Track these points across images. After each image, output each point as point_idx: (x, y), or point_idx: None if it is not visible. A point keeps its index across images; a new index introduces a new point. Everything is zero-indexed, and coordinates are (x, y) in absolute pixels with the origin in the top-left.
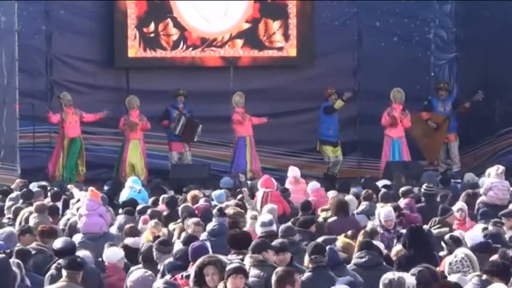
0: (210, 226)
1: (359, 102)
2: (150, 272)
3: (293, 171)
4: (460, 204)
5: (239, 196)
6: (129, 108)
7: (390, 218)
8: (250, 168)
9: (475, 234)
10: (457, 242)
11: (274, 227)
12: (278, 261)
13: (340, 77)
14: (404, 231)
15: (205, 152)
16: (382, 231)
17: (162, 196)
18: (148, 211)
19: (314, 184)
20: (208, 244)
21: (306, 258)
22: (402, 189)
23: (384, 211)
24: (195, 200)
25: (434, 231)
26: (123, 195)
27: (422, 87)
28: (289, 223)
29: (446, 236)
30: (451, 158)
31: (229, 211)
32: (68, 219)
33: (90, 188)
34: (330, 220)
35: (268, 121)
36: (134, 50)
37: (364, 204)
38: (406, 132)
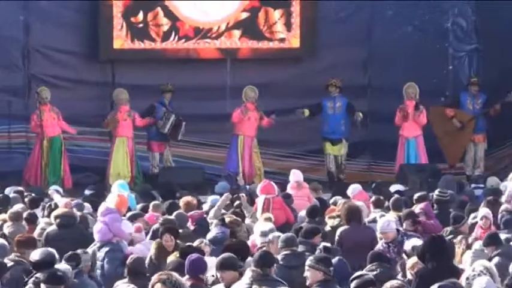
0: (211, 234)
1: (369, 99)
2: (132, 286)
3: (295, 175)
4: (485, 211)
5: (236, 202)
6: (117, 103)
7: (386, 231)
8: (242, 170)
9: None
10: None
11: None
12: None
13: (348, 70)
14: (410, 241)
15: (199, 154)
16: (383, 245)
17: (153, 203)
18: (161, 219)
19: (356, 187)
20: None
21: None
22: (417, 195)
23: (380, 222)
24: (189, 207)
25: None
26: (109, 201)
27: (439, 81)
28: (291, 233)
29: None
30: (476, 161)
31: (225, 219)
32: (43, 229)
33: (119, 194)
34: (341, 229)
35: (271, 121)
36: (120, 41)
37: (375, 212)
38: (426, 130)
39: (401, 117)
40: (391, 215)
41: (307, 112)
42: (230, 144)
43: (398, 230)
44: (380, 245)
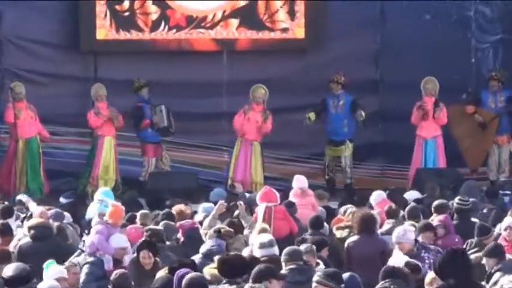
0: (206, 246)
1: (382, 96)
2: None
3: (299, 182)
4: (509, 220)
5: (236, 212)
6: (95, 99)
7: (402, 241)
8: (232, 176)
9: None
10: None
11: (275, 250)
12: None
13: (358, 64)
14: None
15: (192, 158)
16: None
17: (141, 212)
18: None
19: (379, 194)
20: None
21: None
22: (435, 203)
23: (396, 230)
24: (182, 216)
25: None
26: (91, 211)
27: (461, 76)
28: (295, 246)
29: None
30: (500, 165)
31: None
32: (19, 240)
33: (113, 203)
34: (349, 240)
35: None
36: (104, 31)
37: (389, 223)
38: (445, 131)
39: (419, 116)
40: (407, 226)
41: (313, 116)
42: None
43: (416, 241)
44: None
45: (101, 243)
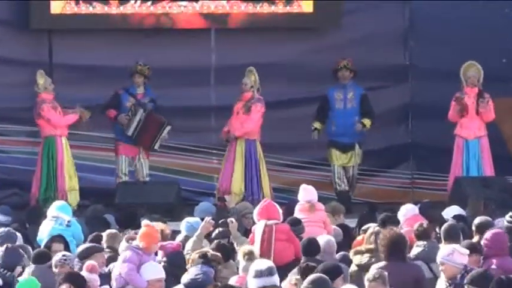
0: (189, 275)
1: (412, 85)
2: None
3: (306, 193)
4: None
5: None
6: (39, 90)
7: (447, 262)
8: (219, 186)
9: None
10: None
11: (276, 279)
12: None
13: (381, 46)
14: None
15: (173, 163)
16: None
17: (107, 232)
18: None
19: (410, 208)
20: None
21: None
22: (477, 221)
23: (443, 250)
24: (161, 237)
25: None
26: (44, 231)
27: (509, 60)
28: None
29: None
30: None
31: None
32: None
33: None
34: (377, 266)
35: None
36: (60, 3)
37: (419, 245)
38: (492, 130)
39: (458, 111)
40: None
41: (318, 125)
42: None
43: (465, 267)
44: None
45: (130, 275)
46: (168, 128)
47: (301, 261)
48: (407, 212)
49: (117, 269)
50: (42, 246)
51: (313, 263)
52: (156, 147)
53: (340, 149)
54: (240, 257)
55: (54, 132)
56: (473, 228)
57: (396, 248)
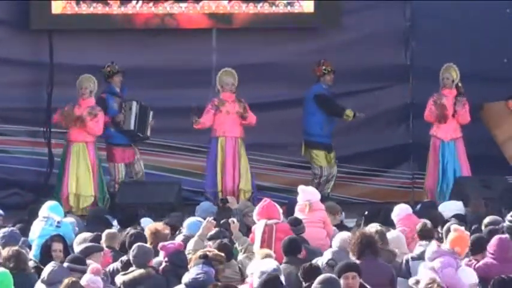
0: (190, 275)
1: (413, 85)
2: None
3: (305, 193)
4: None
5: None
6: (79, 93)
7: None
8: (223, 186)
9: None
10: None
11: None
12: None
13: (382, 46)
14: None
15: (174, 163)
16: None
17: (106, 232)
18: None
19: (403, 208)
20: None
21: None
22: (486, 220)
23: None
24: (158, 238)
25: None
26: (35, 231)
27: (511, 60)
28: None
29: None
30: None
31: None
32: None
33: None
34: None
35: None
36: (61, 3)
37: (422, 245)
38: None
39: (438, 117)
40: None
41: (349, 112)
42: (208, 151)
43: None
44: None
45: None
46: (151, 112)
47: (283, 260)
48: (400, 211)
49: None
50: (41, 246)
51: (295, 262)
52: (148, 134)
53: (327, 150)
54: (258, 256)
55: (87, 139)
56: (483, 227)
57: (364, 246)
